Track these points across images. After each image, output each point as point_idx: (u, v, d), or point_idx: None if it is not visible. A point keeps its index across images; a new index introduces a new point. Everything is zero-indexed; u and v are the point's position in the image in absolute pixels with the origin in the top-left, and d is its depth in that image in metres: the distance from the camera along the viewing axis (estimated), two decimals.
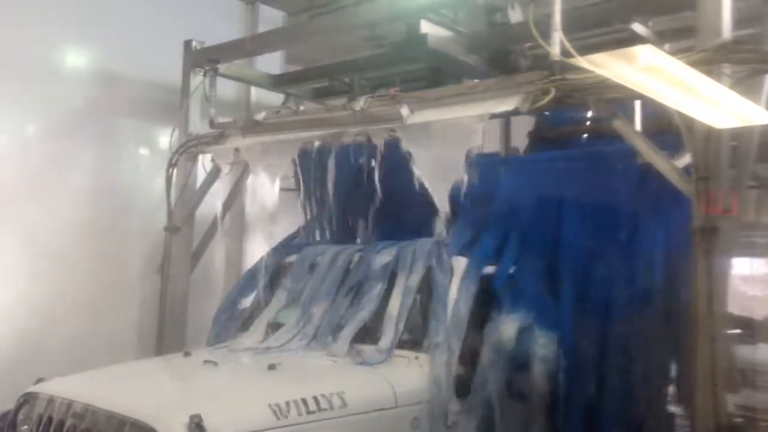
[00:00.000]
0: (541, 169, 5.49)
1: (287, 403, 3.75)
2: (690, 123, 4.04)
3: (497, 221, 5.18)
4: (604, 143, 5.20)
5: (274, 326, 5.23)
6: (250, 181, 7.10)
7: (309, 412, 3.79)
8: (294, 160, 5.62)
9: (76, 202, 6.79)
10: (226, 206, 6.92)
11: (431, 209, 4.91)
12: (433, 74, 6.58)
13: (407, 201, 5.29)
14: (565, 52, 3.85)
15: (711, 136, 4.05)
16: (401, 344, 4.63)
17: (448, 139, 4.63)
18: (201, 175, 6.86)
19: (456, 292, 4.64)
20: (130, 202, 7.23)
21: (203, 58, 6.89)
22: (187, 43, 7.10)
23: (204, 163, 6.68)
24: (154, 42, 7.15)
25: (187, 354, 4.89)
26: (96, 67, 7.02)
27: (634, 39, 5.21)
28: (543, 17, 4.30)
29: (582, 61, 3.25)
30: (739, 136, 4.21)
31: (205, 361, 4.52)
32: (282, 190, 6.05)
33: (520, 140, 6.70)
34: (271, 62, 8.17)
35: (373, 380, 4.29)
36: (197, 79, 6.93)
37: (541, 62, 4.80)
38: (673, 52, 3.64)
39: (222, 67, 6.86)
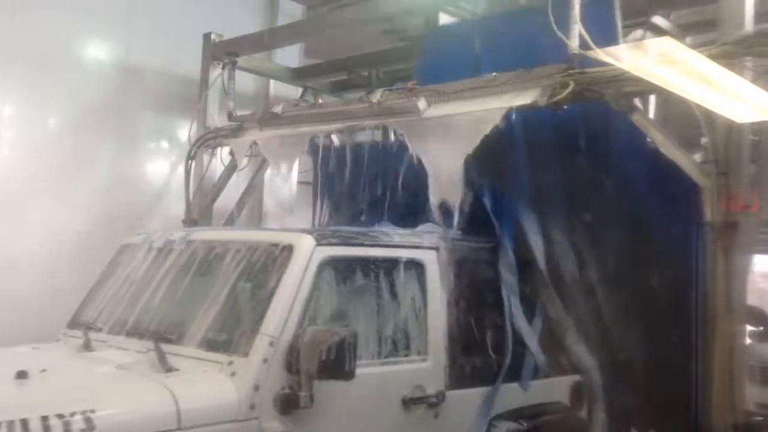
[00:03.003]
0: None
1: None
2: (710, 117, 3.99)
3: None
4: None
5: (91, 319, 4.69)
6: (267, 174, 7.13)
7: None
8: (309, 148, 5.55)
9: (95, 194, 6.82)
10: (244, 199, 6.94)
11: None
12: None
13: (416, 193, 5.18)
14: (584, 45, 3.82)
15: (732, 130, 3.99)
16: (212, 345, 3.79)
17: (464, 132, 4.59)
18: (219, 168, 6.88)
19: None
20: (148, 195, 7.27)
21: (222, 51, 6.91)
22: (206, 36, 7.13)
23: (222, 155, 6.69)
24: (174, 34, 7.20)
25: None
26: (116, 59, 7.06)
27: (655, 32, 5.16)
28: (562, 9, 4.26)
29: (601, 54, 3.22)
30: (760, 130, 4.15)
31: None
32: (300, 183, 6.05)
33: None
34: (290, 55, 8.18)
35: (147, 395, 3.39)
36: (216, 72, 6.96)
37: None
38: (694, 45, 3.60)
39: (241, 60, 6.88)
